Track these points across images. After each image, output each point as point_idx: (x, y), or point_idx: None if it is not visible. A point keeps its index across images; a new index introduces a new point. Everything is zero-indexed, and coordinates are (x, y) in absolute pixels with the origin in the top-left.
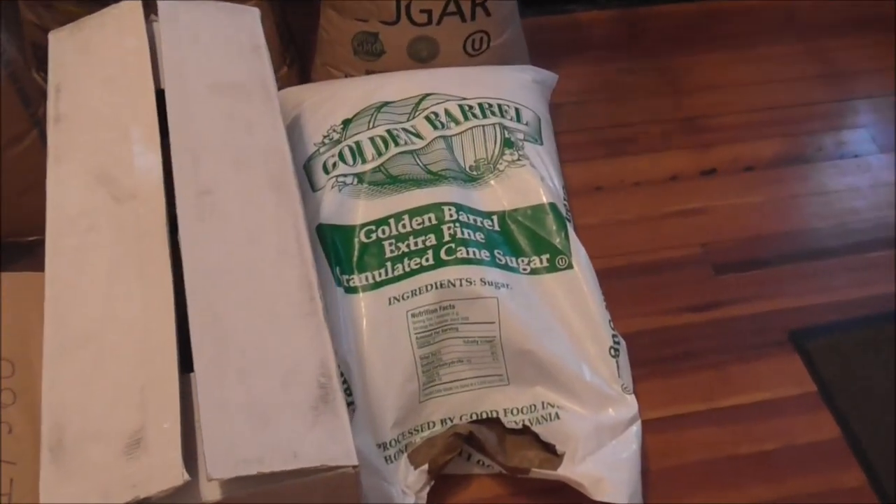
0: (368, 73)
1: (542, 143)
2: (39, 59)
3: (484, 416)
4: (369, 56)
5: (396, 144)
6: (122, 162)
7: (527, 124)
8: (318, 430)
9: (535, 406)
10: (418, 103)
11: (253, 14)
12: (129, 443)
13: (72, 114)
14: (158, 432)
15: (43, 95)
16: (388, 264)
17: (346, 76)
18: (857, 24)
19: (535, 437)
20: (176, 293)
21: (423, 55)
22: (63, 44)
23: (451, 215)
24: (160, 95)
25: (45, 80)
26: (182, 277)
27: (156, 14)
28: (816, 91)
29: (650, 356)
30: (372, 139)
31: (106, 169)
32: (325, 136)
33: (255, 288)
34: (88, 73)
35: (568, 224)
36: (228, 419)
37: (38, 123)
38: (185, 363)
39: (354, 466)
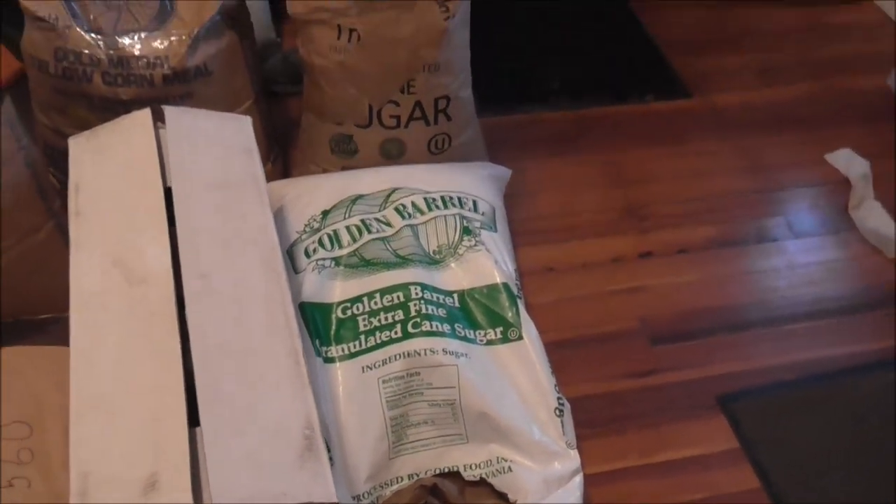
0: (344, 168)
1: (496, 231)
2: (51, 158)
3: (446, 470)
4: (345, 154)
5: (369, 232)
6: (135, 250)
7: (483, 214)
8: (303, 473)
9: (490, 461)
10: (388, 196)
11: (245, 122)
12: (145, 486)
13: (90, 208)
14: (171, 477)
15: (56, 191)
16: (362, 337)
17: (324, 171)
18: (776, 124)
19: (492, 487)
20: (183, 360)
21: (392, 153)
22: (81, 147)
23: (416, 294)
24: (167, 192)
25: (56, 177)
26: (187, 347)
27: (163, 122)
28: (741, 182)
29: (595, 418)
30: (348, 227)
31: (120, 256)
32: (306, 225)
33: (250, 356)
34: (104, 172)
35: (519, 301)
36: (230, 466)
37: (56, 216)
38: (191, 419)
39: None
